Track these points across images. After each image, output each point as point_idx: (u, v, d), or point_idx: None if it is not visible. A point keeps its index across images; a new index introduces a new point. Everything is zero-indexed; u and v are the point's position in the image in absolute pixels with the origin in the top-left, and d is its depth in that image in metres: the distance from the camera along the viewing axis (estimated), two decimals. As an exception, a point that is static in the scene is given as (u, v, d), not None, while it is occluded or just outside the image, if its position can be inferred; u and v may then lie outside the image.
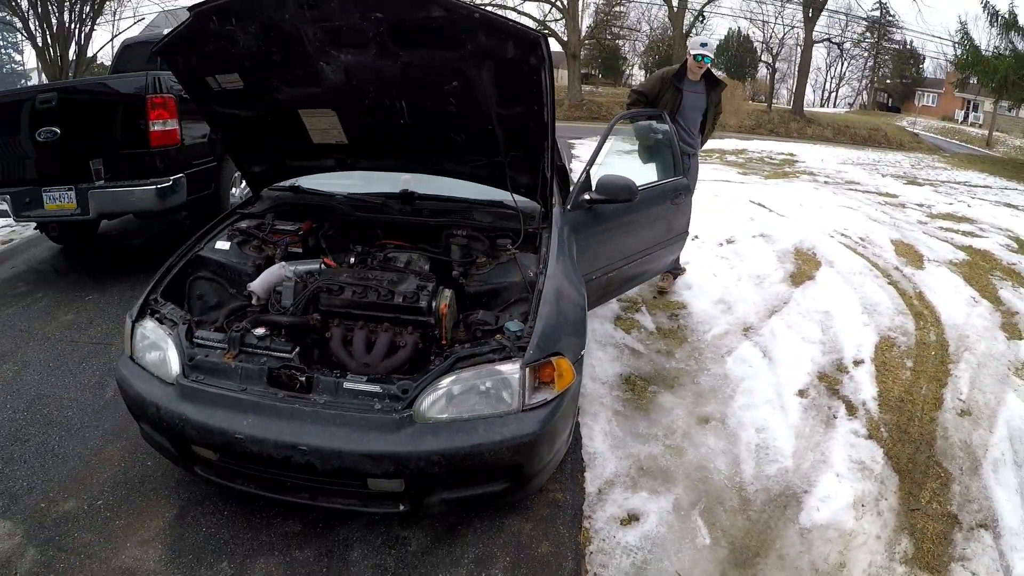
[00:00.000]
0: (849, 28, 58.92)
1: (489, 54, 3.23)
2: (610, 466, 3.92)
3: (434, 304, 3.38)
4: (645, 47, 62.96)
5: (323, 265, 3.81)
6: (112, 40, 29.98)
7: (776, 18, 56.44)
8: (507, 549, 3.30)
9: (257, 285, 3.67)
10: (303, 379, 3.02)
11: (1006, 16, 25.23)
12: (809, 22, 43.53)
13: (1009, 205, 13.87)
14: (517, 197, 3.92)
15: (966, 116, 63.84)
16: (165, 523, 3.40)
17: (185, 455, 3.17)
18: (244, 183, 7.33)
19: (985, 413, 4.74)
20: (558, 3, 38.65)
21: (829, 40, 51.33)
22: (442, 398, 2.92)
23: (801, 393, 4.84)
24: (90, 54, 28.79)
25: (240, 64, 3.56)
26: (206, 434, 2.95)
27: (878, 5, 56.89)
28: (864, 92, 76.33)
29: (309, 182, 4.51)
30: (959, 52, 26.82)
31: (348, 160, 4.17)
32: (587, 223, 4.53)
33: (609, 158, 5.60)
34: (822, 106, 72.36)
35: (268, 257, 3.97)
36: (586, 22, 45.80)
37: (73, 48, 25.31)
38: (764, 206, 10.92)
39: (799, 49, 48.64)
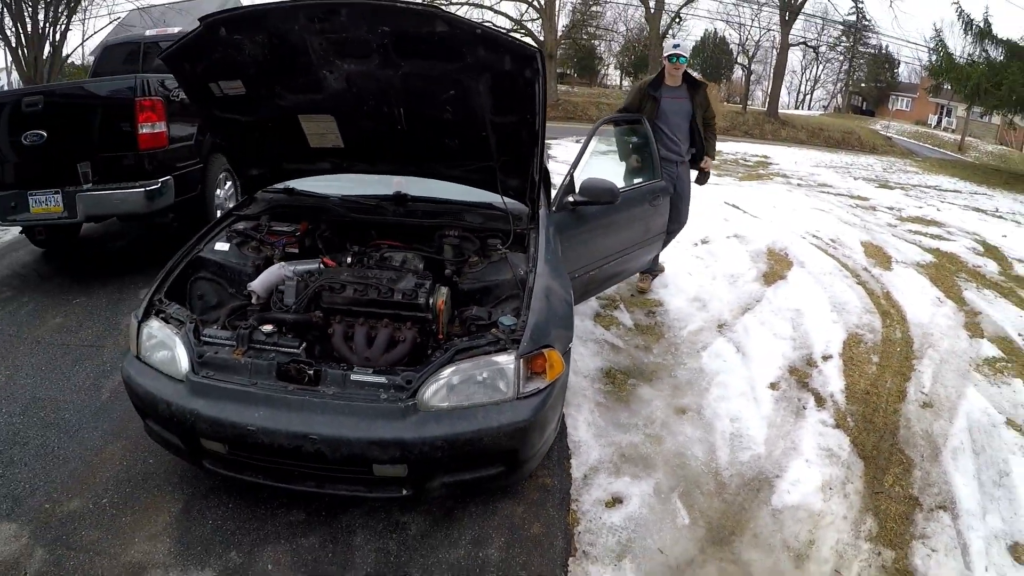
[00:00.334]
0: (825, 32, 59.46)
1: (487, 66, 3.41)
2: (594, 453, 4.11)
3: (431, 301, 3.53)
4: (621, 47, 63.02)
5: (322, 265, 3.94)
6: (84, 42, 29.68)
7: (752, 21, 56.78)
8: (501, 530, 3.47)
9: (257, 284, 3.79)
10: (311, 372, 3.14)
11: (980, 25, 25.63)
12: (785, 25, 43.86)
13: (977, 209, 14.13)
14: (507, 199, 4.09)
15: (939, 121, 64.41)
16: (171, 517, 3.48)
17: (194, 450, 3.26)
18: (228, 184, 7.46)
19: (946, 405, 4.97)
20: (535, 3, 38.63)
21: (805, 43, 51.77)
22: (443, 388, 3.08)
23: (773, 386, 5.05)
24: (64, 55, 28.47)
25: (244, 71, 3.68)
26: (218, 428, 3.06)
27: (854, 10, 57.40)
28: (839, 95, 76.80)
29: (303, 184, 4.61)
30: (933, 59, 27.15)
31: (344, 163, 4.29)
32: (570, 224, 4.72)
33: (590, 160, 5.78)
34: (797, 108, 72.71)
35: (267, 258, 4.08)
36: (562, 22, 45.88)
37: (48, 48, 25.05)
38: (738, 207, 11.12)
39: (775, 52, 48.99)
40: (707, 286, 6.99)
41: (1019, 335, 6.42)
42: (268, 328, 3.40)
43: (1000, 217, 13.63)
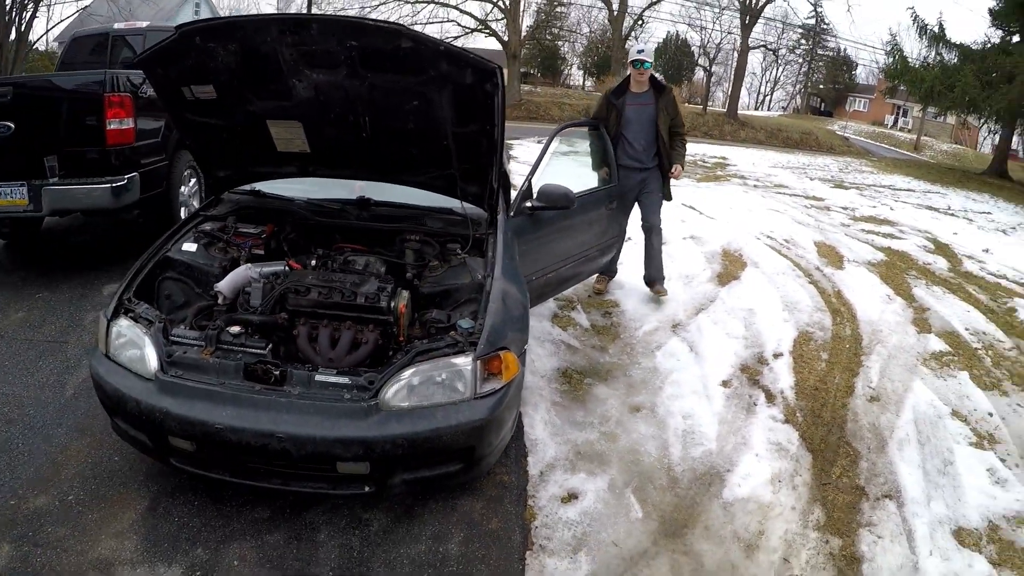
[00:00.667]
0: (785, 35, 60.12)
1: (449, 80, 3.53)
2: (550, 451, 4.24)
3: (393, 304, 3.63)
4: (584, 48, 63.20)
5: (288, 267, 4.03)
6: (49, 30, 29.16)
7: (714, 24, 57.23)
8: (460, 526, 3.57)
9: (224, 285, 3.87)
10: (277, 373, 3.24)
11: (935, 29, 26.08)
12: (746, 28, 44.19)
13: (931, 208, 14.44)
14: (466, 205, 4.21)
15: (896, 121, 65.28)
16: (138, 515, 3.50)
17: (161, 447, 3.33)
18: (193, 182, 7.48)
19: (893, 399, 5.17)
20: (499, 3, 38.67)
21: (765, 46, 52.27)
22: (404, 388, 3.20)
23: (725, 384, 5.22)
24: (30, 42, 27.89)
25: (216, 77, 3.75)
26: (187, 426, 3.13)
27: (813, 14, 57.97)
28: (798, 96, 77.59)
29: (269, 187, 4.67)
30: (889, 61, 27.61)
31: (309, 168, 4.36)
32: (528, 228, 4.86)
33: (552, 161, 5.89)
34: (757, 109, 73.16)
35: (233, 259, 4.15)
36: (527, 22, 45.86)
37: (13, 35, 24.56)
38: (695, 209, 11.29)
39: (735, 54, 49.36)
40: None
41: (966, 329, 6.68)
42: (235, 329, 3.49)
43: (952, 215, 13.95)
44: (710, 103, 57.63)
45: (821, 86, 74.59)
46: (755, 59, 64.12)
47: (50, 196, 6.18)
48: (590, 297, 6.87)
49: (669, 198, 6.65)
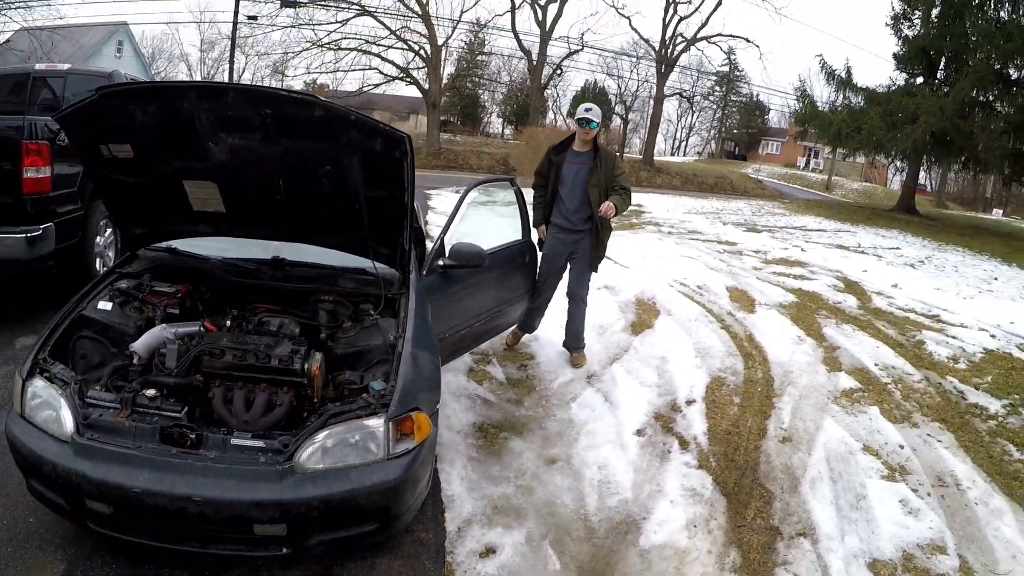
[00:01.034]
0: (699, 82, 61.78)
1: (360, 147, 3.64)
2: (467, 506, 4.27)
3: (307, 366, 3.67)
4: (504, 96, 63.98)
5: (203, 328, 4.03)
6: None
7: (631, 72, 58.60)
8: (379, 584, 3.59)
9: (139, 346, 3.85)
10: (193, 436, 3.25)
11: (842, 75, 27.21)
12: (661, 77, 45.40)
13: (841, 247, 14.89)
14: (378, 265, 4.28)
15: (808, 163, 67.42)
16: None
17: (78, 510, 3.29)
18: (108, 232, 7.38)
19: (805, 438, 5.33)
20: (420, 52, 39.03)
21: (680, 94, 53.42)
22: (318, 450, 3.24)
23: (639, 432, 5.31)
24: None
25: (134, 137, 3.78)
26: (104, 489, 3.11)
27: (727, 62, 59.62)
28: (712, 141, 79.63)
29: (185, 245, 4.66)
30: (799, 107, 28.65)
31: (225, 227, 4.38)
32: (441, 286, 4.94)
33: (468, 213, 5.98)
34: (673, 155, 74.97)
35: (148, 318, 4.14)
36: (448, 70, 46.34)
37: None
38: (609, 258, 11.36)
39: (651, 102, 50.61)
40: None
41: (875, 365, 6.93)
42: (151, 392, 3.48)
43: (862, 252, 14.42)
44: (627, 150, 58.91)
45: (735, 131, 77.07)
46: (671, 106, 65.54)
47: (-40, 245, 5.98)
48: (505, 350, 6.94)
49: (595, 269, 6.46)
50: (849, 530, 4.24)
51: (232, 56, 39.16)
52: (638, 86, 61.41)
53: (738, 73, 65.90)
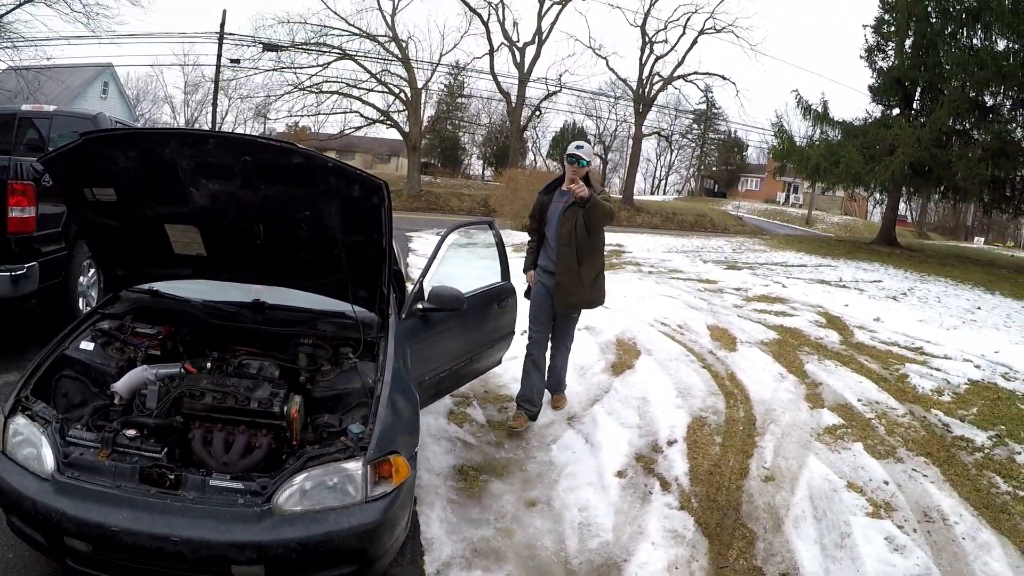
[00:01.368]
0: (677, 120, 62.54)
1: (338, 193, 3.70)
2: (447, 549, 4.26)
3: (286, 409, 3.70)
4: (484, 138, 64.59)
5: (183, 370, 4.05)
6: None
7: (609, 112, 59.29)
8: (357, 627, 3.56)
9: (121, 386, 3.88)
10: (172, 477, 3.27)
11: (818, 109, 27.54)
12: (639, 116, 46.08)
13: (822, 281, 14.95)
14: (358, 309, 4.32)
15: (787, 198, 67.98)
16: None
17: (57, 547, 3.29)
18: (92, 272, 7.41)
19: (788, 477, 5.31)
20: (401, 95, 39.38)
21: (658, 132, 54.09)
22: (296, 493, 3.26)
23: (620, 474, 5.28)
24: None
25: (117, 181, 3.84)
26: (83, 527, 3.13)
27: (704, 100, 60.30)
28: (692, 179, 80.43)
29: (167, 287, 4.70)
30: (776, 143, 28.96)
31: (206, 270, 4.42)
32: (420, 329, 4.96)
33: (449, 256, 6.01)
34: (652, 193, 75.61)
35: (130, 359, 4.17)
36: (428, 112, 46.89)
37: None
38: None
39: (630, 141, 51.16)
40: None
41: (858, 400, 6.93)
42: (131, 432, 3.51)
43: (844, 287, 14.48)
44: (607, 190, 59.14)
45: (714, 168, 78.03)
46: (649, 145, 66.61)
47: (-55, 283, 6.02)
48: (486, 392, 6.94)
49: (567, 307, 6.11)
50: (834, 569, 4.24)
51: (215, 99, 39.54)
52: (617, 126, 62.54)
53: (716, 110, 66.97)
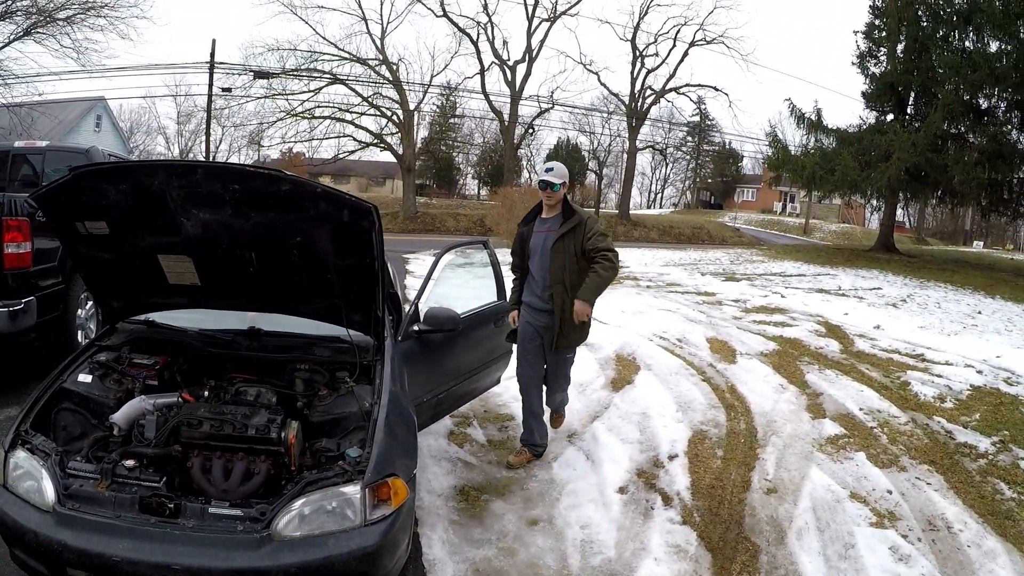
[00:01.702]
0: (671, 133, 62.68)
1: (328, 218, 3.72)
2: (449, 570, 4.26)
3: (283, 435, 3.71)
4: (478, 158, 64.77)
5: (181, 399, 4.06)
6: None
7: (603, 128, 59.47)
8: (359, 652, 3.56)
9: (119, 417, 3.90)
10: (172, 506, 3.29)
11: (812, 118, 27.60)
12: (633, 131, 46.16)
13: (821, 290, 14.96)
14: (353, 333, 4.33)
15: (784, 207, 68.06)
16: None
17: None
18: (89, 305, 7.44)
19: (790, 489, 5.30)
20: (393, 118, 39.54)
21: (652, 146, 54.03)
22: (295, 518, 3.27)
23: (621, 490, 5.28)
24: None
25: (108, 214, 3.87)
26: (84, 558, 3.15)
27: (697, 112, 60.51)
28: (688, 192, 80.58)
29: (162, 317, 4.72)
30: (771, 152, 29.01)
31: (201, 299, 4.45)
32: (417, 350, 4.98)
33: (446, 277, 6.01)
34: (649, 207, 75.95)
35: (128, 390, 4.19)
36: (421, 134, 47.06)
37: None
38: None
39: (625, 155, 51.27)
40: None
41: (860, 409, 6.93)
42: (130, 463, 3.52)
43: (843, 295, 14.49)
44: (603, 205, 59.54)
45: (710, 180, 78.21)
46: (644, 159, 66.68)
47: (-56, 319, 6.06)
48: (486, 412, 6.95)
49: (562, 349, 5.68)
50: (837, 580, 4.20)
51: (208, 128, 39.62)
52: (611, 141, 62.49)
53: (709, 122, 67.24)
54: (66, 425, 4.02)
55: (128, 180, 3.72)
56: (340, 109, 38.91)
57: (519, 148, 46.78)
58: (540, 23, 43.22)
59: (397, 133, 39.99)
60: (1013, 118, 23.77)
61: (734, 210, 66.31)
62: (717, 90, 45.17)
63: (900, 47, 26.29)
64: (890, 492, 5.25)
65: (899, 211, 41.00)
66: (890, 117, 27.25)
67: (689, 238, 44.91)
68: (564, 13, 43.01)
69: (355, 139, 40.18)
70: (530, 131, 47.59)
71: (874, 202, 29.13)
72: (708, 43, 43.29)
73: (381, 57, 39.13)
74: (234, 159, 43.55)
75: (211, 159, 39.98)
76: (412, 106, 40.06)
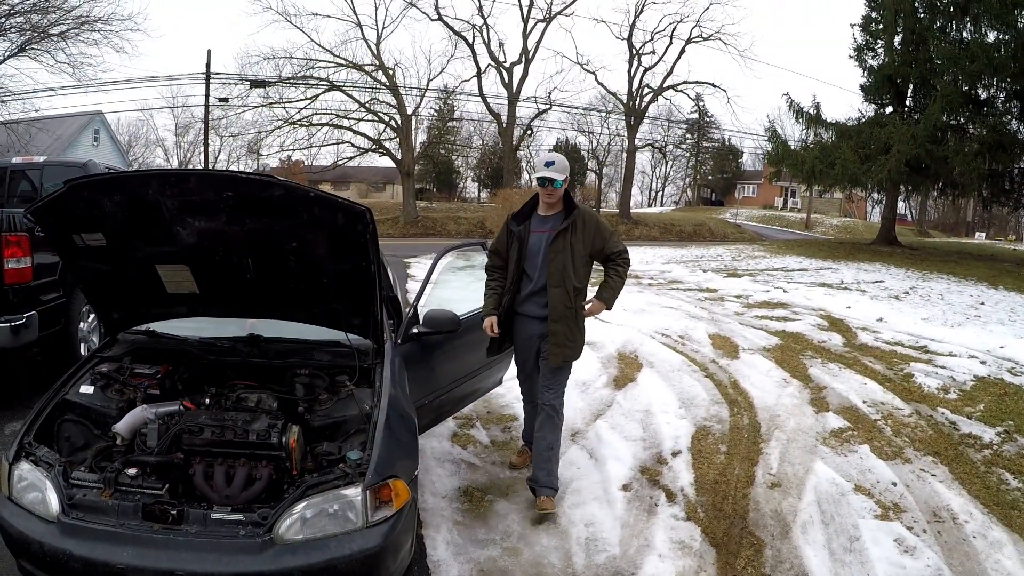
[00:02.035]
0: (670, 131, 62.61)
1: (322, 223, 3.73)
2: (453, 570, 4.26)
3: (284, 440, 3.71)
4: (477, 160, 64.76)
5: (183, 407, 4.08)
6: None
7: (602, 127, 59.43)
8: (364, 654, 3.57)
9: (122, 427, 3.90)
10: (175, 512, 3.31)
11: (810, 112, 27.58)
12: (632, 129, 45.95)
13: (824, 284, 14.93)
14: (352, 336, 4.35)
15: (785, 203, 68.10)
16: None
17: None
18: (92, 317, 7.46)
19: (794, 483, 5.30)
20: (391, 123, 39.56)
21: (652, 144, 53.96)
22: (297, 522, 3.29)
23: (625, 487, 5.28)
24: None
25: (104, 226, 3.88)
26: (89, 567, 3.18)
27: (696, 109, 60.45)
28: (688, 189, 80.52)
29: (163, 326, 4.74)
30: (770, 147, 28.97)
31: (200, 308, 4.47)
32: (417, 353, 5.00)
33: (446, 279, 6.02)
34: (650, 206, 75.85)
35: (130, 400, 4.20)
36: (420, 138, 47.07)
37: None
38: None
39: (624, 155, 51.26)
40: (560, 396, 7.18)
41: (863, 402, 6.91)
42: (133, 471, 3.53)
43: (845, 289, 14.47)
44: (603, 204, 59.68)
45: (710, 177, 78.21)
46: (644, 157, 66.67)
47: (-53, 336, 6.10)
48: (488, 413, 6.96)
49: (558, 363, 5.05)
50: (843, 573, 4.22)
51: (206, 138, 39.78)
52: (610, 140, 62.50)
53: (708, 119, 67.03)
54: (69, 436, 4.04)
55: (122, 191, 3.73)
56: (338, 115, 38.87)
57: (518, 149, 46.78)
58: (535, 24, 43.28)
59: (395, 138, 39.95)
60: (1012, 108, 23.77)
61: (735, 206, 66.13)
62: (715, 86, 45.00)
63: (897, 39, 26.31)
64: (895, 484, 5.24)
65: (900, 204, 40.99)
66: (889, 109, 27.25)
67: (690, 235, 44.90)
68: (559, 13, 43.02)
69: (353, 145, 40.22)
70: (528, 132, 47.55)
71: (875, 195, 29.19)
72: (705, 39, 43.21)
73: (377, 63, 39.10)
74: (234, 168, 43.53)
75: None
76: (409, 110, 40.00)
